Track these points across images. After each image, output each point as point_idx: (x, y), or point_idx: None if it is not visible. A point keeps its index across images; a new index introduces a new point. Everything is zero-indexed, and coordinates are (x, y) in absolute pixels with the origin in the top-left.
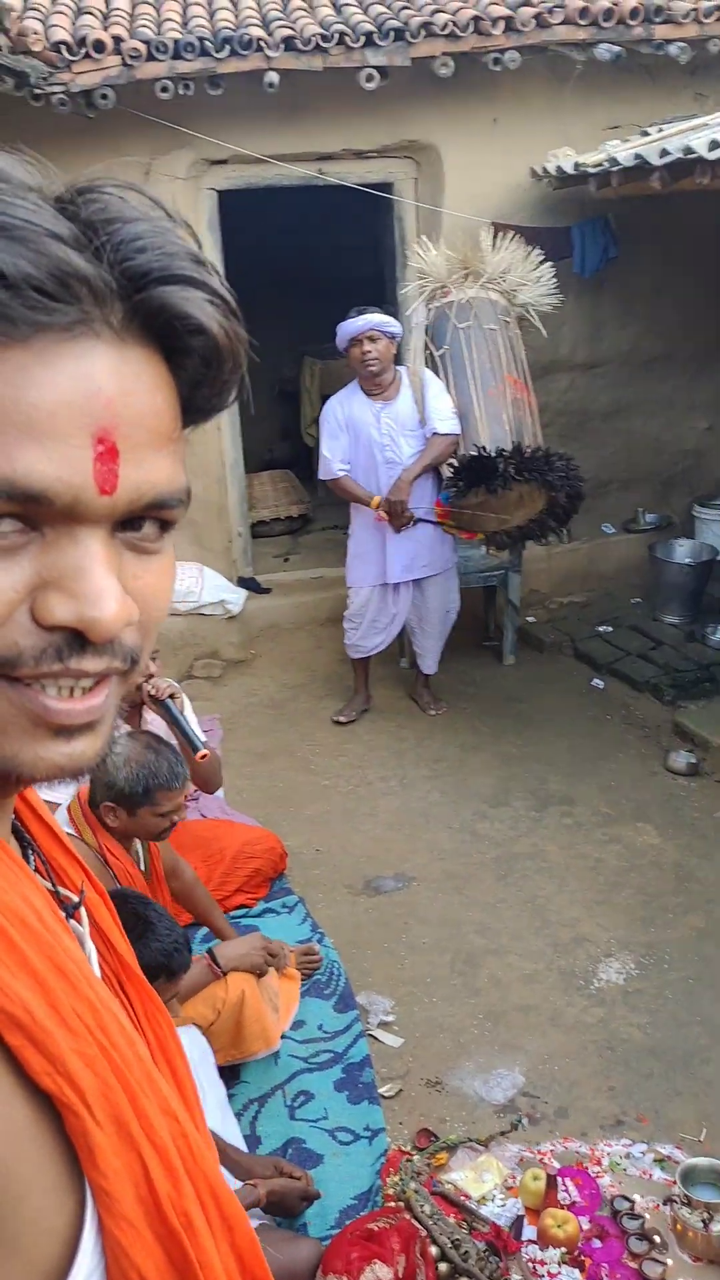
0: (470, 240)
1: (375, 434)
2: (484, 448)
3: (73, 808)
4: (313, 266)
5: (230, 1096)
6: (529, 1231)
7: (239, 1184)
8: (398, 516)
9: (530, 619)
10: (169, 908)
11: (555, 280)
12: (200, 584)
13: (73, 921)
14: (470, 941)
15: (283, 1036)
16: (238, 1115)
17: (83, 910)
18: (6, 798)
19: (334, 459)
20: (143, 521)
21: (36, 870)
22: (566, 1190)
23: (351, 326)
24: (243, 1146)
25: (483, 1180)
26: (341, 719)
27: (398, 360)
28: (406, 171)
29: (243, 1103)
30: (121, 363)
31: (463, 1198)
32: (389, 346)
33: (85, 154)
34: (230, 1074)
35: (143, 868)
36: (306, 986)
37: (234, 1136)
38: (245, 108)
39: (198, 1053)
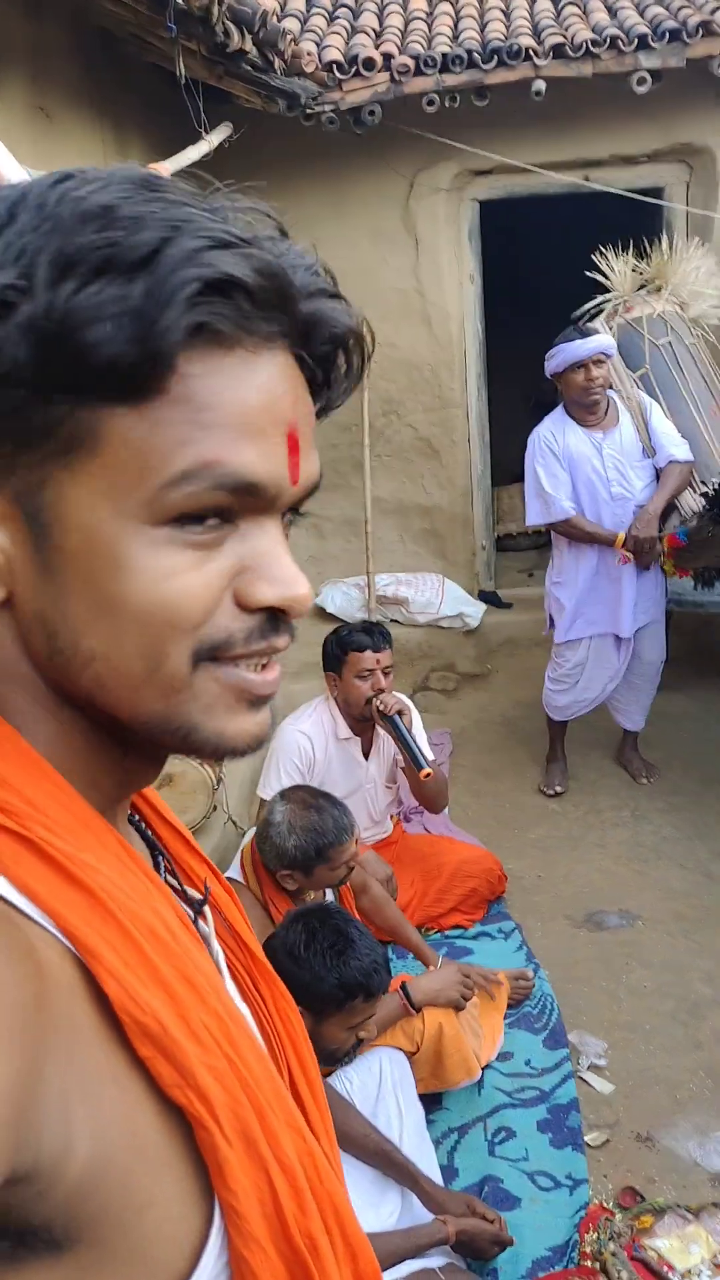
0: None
1: (599, 467)
2: None
3: (244, 853)
4: (573, 275)
5: (430, 1123)
6: None
7: (430, 1217)
8: (646, 555)
9: None
10: None
11: None
12: (440, 596)
13: (199, 922)
14: (696, 990)
15: (488, 1067)
16: (436, 1143)
17: (207, 910)
18: (125, 797)
19: (560, 497)
20: (291, 511)
21: (166, 870)
22: None
23: (580, 349)
24: (438, 1176)
25: (689, 1252)
26: (559, 789)
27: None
28: (678, 176)
29: (443, 1130)
30: (290, 368)
31: (665, 1269)
32: (610, 370)
33: (351, 169)
34: (432, 1099)
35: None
36: (515, 1017)
37: (429, 1165)
38: (511, 117)
39: (398, 1073)
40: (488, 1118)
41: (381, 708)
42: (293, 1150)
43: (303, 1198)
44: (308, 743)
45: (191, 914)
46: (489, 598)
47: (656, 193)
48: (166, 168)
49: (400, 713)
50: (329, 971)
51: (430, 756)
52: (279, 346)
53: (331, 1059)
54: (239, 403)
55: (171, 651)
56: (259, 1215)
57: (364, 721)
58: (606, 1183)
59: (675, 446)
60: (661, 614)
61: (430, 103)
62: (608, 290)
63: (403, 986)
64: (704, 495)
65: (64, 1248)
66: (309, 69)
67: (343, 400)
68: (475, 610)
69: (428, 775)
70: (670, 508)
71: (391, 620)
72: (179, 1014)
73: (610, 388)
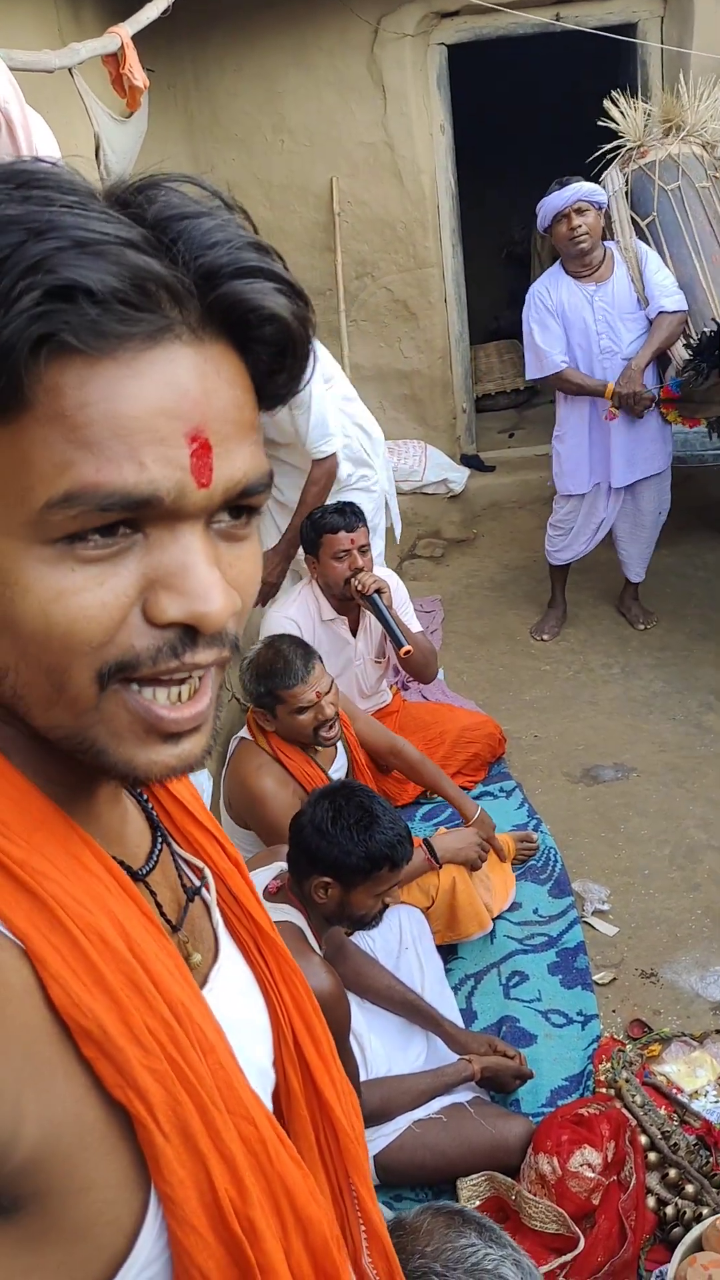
0: (673, 89)
1: (590, 320)
2: None
3: (248, 718)
4: (547, 119)
5: (448, 971)
6: None
7: (454, 1057)
8: (633, 409)
9: None
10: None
11: None
12: (423, 463)
13: (203, 890)
14: (691, 835)
15: (499, 918)
16: (455, 989)
17: (210, 878)
18: (105, 792)
19: (553, 350)
20: (234, 510)
21: (171, 839)
22: None
23: (557, 200)
24: (459, 1019)
25: (696, 1075)
26: (545, 637)
27: (605, 235)
28: (652, 10)
29: (460, 977)
30: (202, 361)
31: (674, 1091)
32: (598, 219)
33: (314, 15)
34: (447, 950)
35: (345, 768)
36: (521, 870)
37: (450, 1010)
38: None
39: (416, 929)
40: (501, 964)
41: (360, 587)
42: (237, 1141)
43: (243, 1186)
44: (294, 627)
45: (192, 888)
46: (471, 461)
47: (630, 30)
48: (126, 31)
49: (379, 591)
50: (356, 845)
51: (417, 628)
52: (180, 341)
53: (360, 923)
54: (119, 414)
55: (74, 672)
56: (196, 1203)
57: (347, 601)
58: (616, 1017)
59: (666, 297)
60: (665, 466)
61: None
62: (618, 136)
63: (426, 842)
64: (687, 345)
65: (10, 1215)
66: None
67: (294, 385)
68: (459, 475)
69: (407, 652)
70: (666, 360)
71: None
72: (122, 1018)
73: (610, 238)
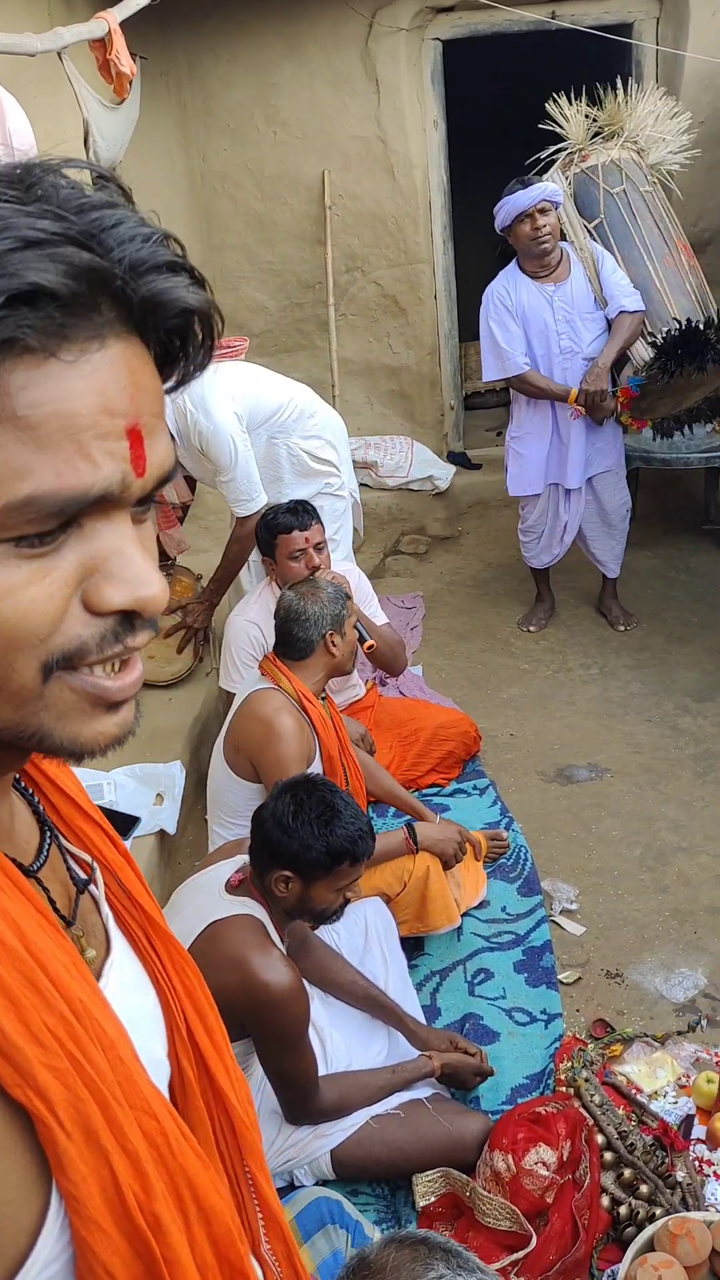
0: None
1: (550, 321)
2: (690, 320)
3: (264, 664)
4: (539, 116)
5: (413, 968)
6: (698, 1131)
7: (416, 1053)
8: (598, 409)
9: None
10: (354, 769)
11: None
12: (409, 458)
13: (91, 886)
14: (661, 838)
15: (467, 915)
16: (419, 986)
17: (98, 874)
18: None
19: (515, 351)
20: (140, 500)
21: (58, 833)
22: None
23: (523, 199)
24: (421, 1016)
25: (656, 1076)
26: (533, 628)
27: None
28: (648, 11)
29: (425, 974)
30: (131, 355)
31: (634, 1091)
32: (558, 219)
33: (308, 7)
34: (414, 946)
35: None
36: (491, 869)
37: (413, 1007)
38: None
39: (382, 924)
40: (466, 961)
41: None
42: (139, 1136)
43: (147, 1180)
44: (257, 630)
45: (79, 883)
46: (458, 459)
47: (625, 30)
48: (113, 16)
49: None
50: (316, 839)
51: (382, 620)
52: (113, 336)
53: (321, 917)
54: (70, 413)
55: (19, 666)
56: (99, 1200)
57: None
58: (579, 1016)
59: (626, 297)
60: (618, 463)
61: None
62: (562, 139)
63: (409, 825)
64: (652, 344)
65: None
66: None
67: (196, 372)
68: (444, 472)
69: (370, 647)
70: (623, 359)
71: (361, 484)
72: (20, 1018)
73: (563, 238)
